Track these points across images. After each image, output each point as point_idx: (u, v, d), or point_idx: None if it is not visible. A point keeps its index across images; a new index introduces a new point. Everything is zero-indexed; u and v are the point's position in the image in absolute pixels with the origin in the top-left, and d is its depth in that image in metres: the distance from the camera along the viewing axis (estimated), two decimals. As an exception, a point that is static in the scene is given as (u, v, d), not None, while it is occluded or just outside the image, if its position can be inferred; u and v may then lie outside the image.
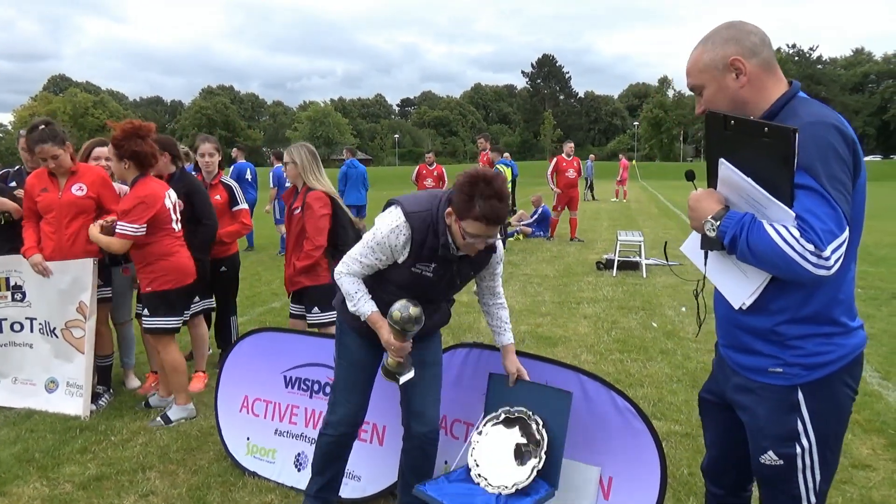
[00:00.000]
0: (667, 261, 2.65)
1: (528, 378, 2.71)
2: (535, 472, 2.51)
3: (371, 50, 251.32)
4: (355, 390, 2.79)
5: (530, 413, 2.63)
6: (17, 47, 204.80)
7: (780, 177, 1.69)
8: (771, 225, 1.67)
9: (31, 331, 4.54)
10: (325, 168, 4.47)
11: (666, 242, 2.97)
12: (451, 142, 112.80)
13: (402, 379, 2.64)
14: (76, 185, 4.35)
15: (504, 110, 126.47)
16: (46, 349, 4.50)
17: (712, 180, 1.90)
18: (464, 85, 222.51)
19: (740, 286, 1.86)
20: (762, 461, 1.90)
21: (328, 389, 3.35)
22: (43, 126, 4.24)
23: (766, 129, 1.71)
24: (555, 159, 13.49)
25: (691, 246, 2.02)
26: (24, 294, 4.50)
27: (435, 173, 13.84)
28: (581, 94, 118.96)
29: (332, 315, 4.20)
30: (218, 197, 5.03)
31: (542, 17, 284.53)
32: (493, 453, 2.62)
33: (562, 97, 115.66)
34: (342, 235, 4.25)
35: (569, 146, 13.73)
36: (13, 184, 4.74)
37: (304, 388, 3.42)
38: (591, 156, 31.93)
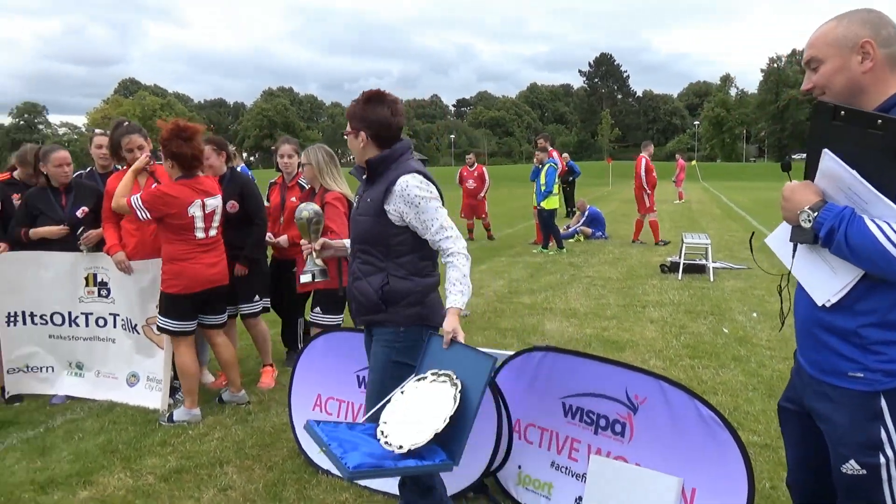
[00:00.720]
0: (752, 256, 2.54)
1: (461, 340, 2.52)
2: (432, 436, 2.30)
3: (426, 50, 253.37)
4: None
5: (454, 377, 2.44)
6: (88, 52, 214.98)
7: (889, 172, 1.64)
8: (873, 220, 1.63)
9: (115, 326, 4.73)
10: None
11: (753, 233, 2.88)
12: (507, 142, 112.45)
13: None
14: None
15: (560, 110, 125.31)
16: (128, 344, 4.68)
17: (811, 172, 1.84)
18: (519, 85, 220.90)
19: (827, 283, 1.80)
20: (843, 470, 1.83)
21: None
22: (127, 122, 4.42)
23: (879, 120, 1.66)
24: (643, 160, 12.47)
25: (778, 238, 1.96)
26: (108, 290, 4.69)
27: (476, 174, 13.80)
28: (639, 94, 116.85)
29: (335, 318, 4.38)
30: (294, 199, 5.12)
31: (596, 16, 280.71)
32: (406, 413, 2.46)
33: (619, 96, 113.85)
34: None
35: (650, 148, 13.15)
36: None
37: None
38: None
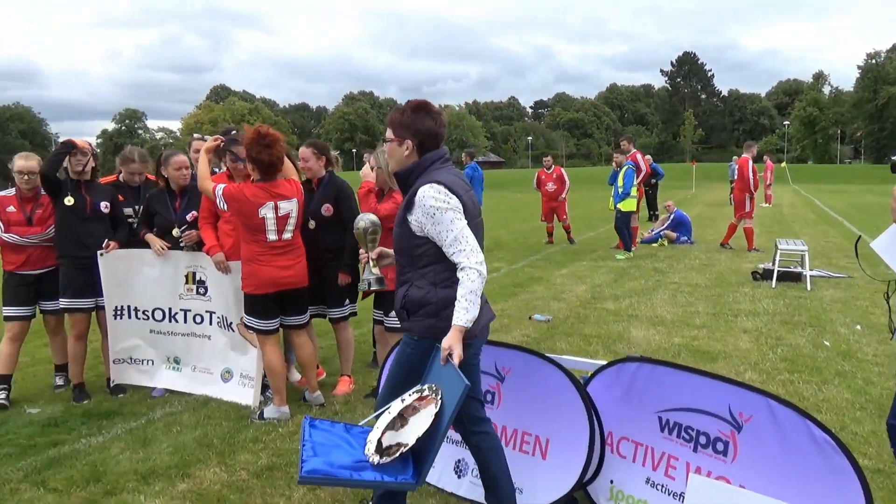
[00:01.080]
0: (857, 261, 2.37)
1: (455, 360, 2.49)
2: (399, 454, 2.39)
3: (504, 53, 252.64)
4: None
5: (440, 397, 2.44)
6: (183, 61, 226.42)
7: None
8: None
9: (210, 323, 4.92)
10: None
11: (859, 237, 2.68)
12: (586, 143, 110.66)
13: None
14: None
15: (640, 111, 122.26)
16: (223, 341, 4.86)
17: None
18: (598, 86, 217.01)
19: None
20: None
21: (489, 396, 3.33)
22: (234, 131, 4.57)
23: None
24: (749, 162, 11.72)
25: (885, 244, 1.85)
26: (206, 289, 4.88)
27: (554, 175, 13.57)
28: (724, 93, 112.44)
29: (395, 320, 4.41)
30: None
31: (679, 14, 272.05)
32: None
33: (703, 96, 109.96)
34: None
35: (753, 149, 12.38)
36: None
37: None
38: (735, 158, 29.50)
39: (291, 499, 3.37)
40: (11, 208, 4.75)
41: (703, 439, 2.74)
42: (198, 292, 4.91)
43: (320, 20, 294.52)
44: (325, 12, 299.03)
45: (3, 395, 4.74)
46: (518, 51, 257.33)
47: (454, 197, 2.62)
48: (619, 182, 11.45)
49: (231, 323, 4.78)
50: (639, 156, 12.46)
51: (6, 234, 4.70)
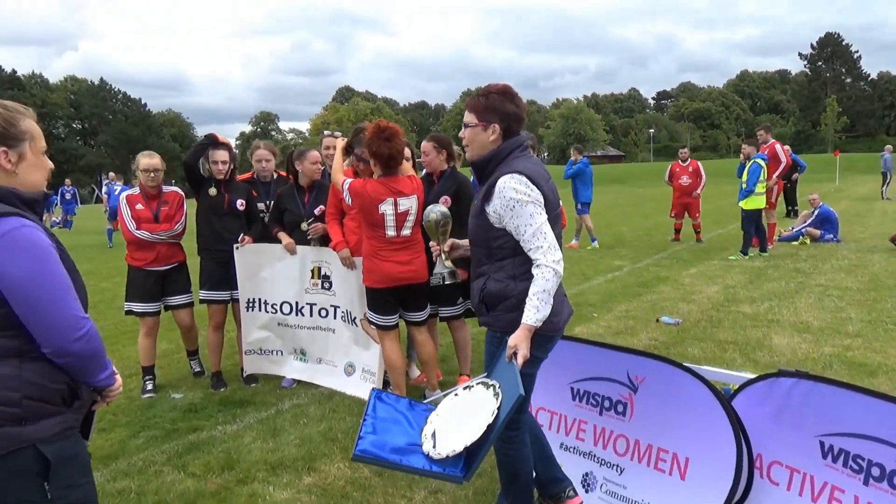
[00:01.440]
0: None
1: (519, 360, 2.44)
2: (450, 452, 2.37)
3: (624, 43, 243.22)
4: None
5: (500, 399, 2.40)
6: (311, 64, 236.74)
7: None
8: None
9: (335, 317, 5.02)
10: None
11: None
12: (713, 135, 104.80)
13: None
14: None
15: (774, 98, 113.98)
16: (347, 336, 4.95)
17: None
18: (726, 73, 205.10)
19: None
20: None
21: (620, 407, 3.13)
22: (363, 130, 4.62)
23: None
24: None
25: None
26: (330, 283, 4.99)
27: (690, 169, 12.84)
28: (873, 76, 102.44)
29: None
30: None
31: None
32: (454, 413, 2.54)
33: (848, 80, 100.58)
34: None
35: None
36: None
37: (594, 402, 3.22)
38: (888, 147, 26.40)
39: (413, 500, 3.33)
40: (140, 206, 4.92)
41: (875, 471, 2.39)
42: (323, 287, 5.03)
43: (439, 19, 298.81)
44: (443, 11, 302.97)
45: (151, 386, 5.06)
46: (639, 40, 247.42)
47: (535, 189, 2.54)
48: (743, 178, 10.63)
49: (355, 318, 4.85)
50: (778, 147, 11.51)
51: (138, 231, 4.88)
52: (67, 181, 24.80)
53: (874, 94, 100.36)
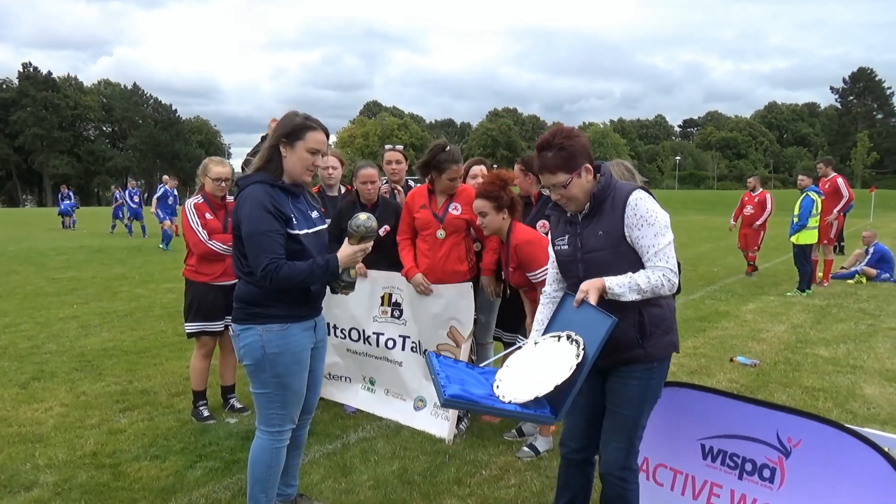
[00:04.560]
0: None
1: (592, 301, 2.41)
2: (532, 398, 2.37)
3: (649, 70, 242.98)
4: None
5: (581, 342, 2.38)
6: (341, 79, 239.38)
7: None
8: None
9: (403, 349, 4.66)
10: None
11: None
12: (738, 165, 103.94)
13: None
14: (452, 205, 4.36)
15: (802, 131, 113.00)
16: (416, 368, 4.59)
17: None
18: (752, 104, 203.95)
19: None
20: None
21: (767, 472, 2.73)
22: (449, 147, 4.31)
23: None
24: None
25: None
26: (401, 311, 4.64)
27: (756, 199, 12.35)
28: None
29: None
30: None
31: (849, 27, 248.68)
32: (526, 366, 2.53)
33: (879, 116, 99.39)
34: None
35: None
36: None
37: (732, 464, 2.83)
38: None
39: (514, 563, 2.95)
40: (209, 216, 4.54)
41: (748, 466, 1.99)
42: (392, 315, 4.68)
43: (468, 39, 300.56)
44: (473, 31, 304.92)
45: (207, 413, 4.67)
46: (665, 67, 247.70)
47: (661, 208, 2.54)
48: (795, 211, 10.23)
49: (426, 350, 4.50)
50: (840, 181, 11.05)
51: (211, 242, 4.49)
52: (132, 182, 24.87)
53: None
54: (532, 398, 2.35)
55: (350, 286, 2.97)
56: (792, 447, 2.65)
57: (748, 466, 2.77)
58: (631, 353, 2.52)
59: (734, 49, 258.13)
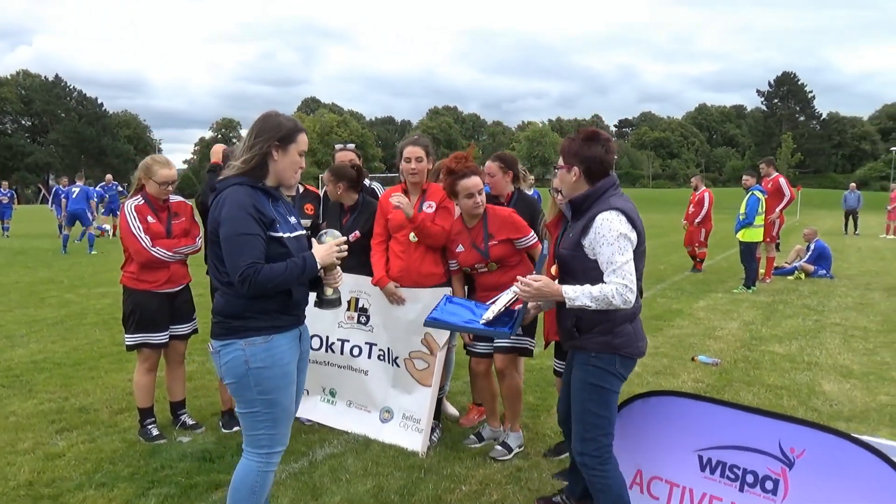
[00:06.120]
0: None
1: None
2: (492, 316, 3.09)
3: (586, 71, 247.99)
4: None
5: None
6: (278, 74, 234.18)
7: None
8: None
9: (369, 357, 4.42)
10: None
11: None
12: (672, 164, 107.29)
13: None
14: (427, 203, 4.17)
15: (730, 132, 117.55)
16: (383, 378, 4.35)
17: None
18: (683, 106, 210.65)
19: None
20: None
21: (769, 484, 2.64)
22: (417, 136, 4.14)
23: None
24: None
25: None
26: (367, 318, 4.40)
27: (696, 198, 12.88)
28: (824, 116, 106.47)
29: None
30: None
31: (772, 33, 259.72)
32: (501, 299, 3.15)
33: (801, 119, 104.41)
34: None
35: None
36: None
37: (732, 476, 2.73)
38: (853, 184, 27.24)
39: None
40: (151, 219, 4.16)
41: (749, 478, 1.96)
42: (359, 321, 4.43)
43: (407, 36, 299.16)
44: (413, 28, 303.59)
45: (156, 431, 4.29)
46: (601, 69, 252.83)
47: (630, 227, 2.68)
48: (742, 209, 10.53)
49: (397, 357, 4.28)
50: (783, 180, 11.38)
51: (154, 249, 4.12)
52: (4, 183, 22.81)
53: (824, 133, 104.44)
54: (493, 315, 3.04)
55: (334, 303, 2.80)
56: (795, 457, 2.57)
57: (749, 478, 2.68)
58: (570, 343, 2.88)
59: (666, 52, 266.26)
